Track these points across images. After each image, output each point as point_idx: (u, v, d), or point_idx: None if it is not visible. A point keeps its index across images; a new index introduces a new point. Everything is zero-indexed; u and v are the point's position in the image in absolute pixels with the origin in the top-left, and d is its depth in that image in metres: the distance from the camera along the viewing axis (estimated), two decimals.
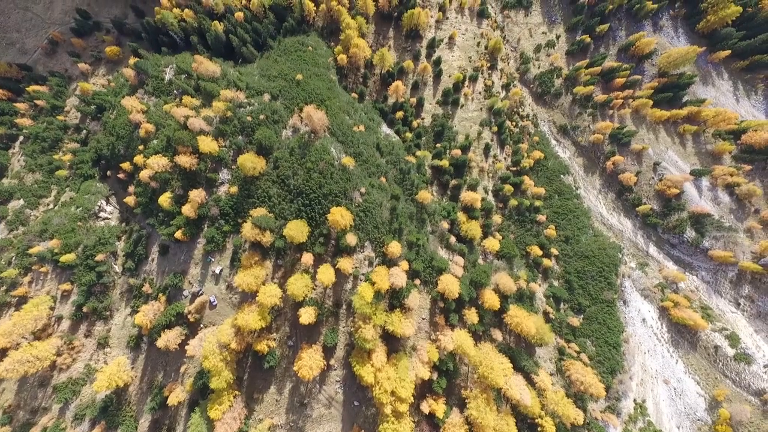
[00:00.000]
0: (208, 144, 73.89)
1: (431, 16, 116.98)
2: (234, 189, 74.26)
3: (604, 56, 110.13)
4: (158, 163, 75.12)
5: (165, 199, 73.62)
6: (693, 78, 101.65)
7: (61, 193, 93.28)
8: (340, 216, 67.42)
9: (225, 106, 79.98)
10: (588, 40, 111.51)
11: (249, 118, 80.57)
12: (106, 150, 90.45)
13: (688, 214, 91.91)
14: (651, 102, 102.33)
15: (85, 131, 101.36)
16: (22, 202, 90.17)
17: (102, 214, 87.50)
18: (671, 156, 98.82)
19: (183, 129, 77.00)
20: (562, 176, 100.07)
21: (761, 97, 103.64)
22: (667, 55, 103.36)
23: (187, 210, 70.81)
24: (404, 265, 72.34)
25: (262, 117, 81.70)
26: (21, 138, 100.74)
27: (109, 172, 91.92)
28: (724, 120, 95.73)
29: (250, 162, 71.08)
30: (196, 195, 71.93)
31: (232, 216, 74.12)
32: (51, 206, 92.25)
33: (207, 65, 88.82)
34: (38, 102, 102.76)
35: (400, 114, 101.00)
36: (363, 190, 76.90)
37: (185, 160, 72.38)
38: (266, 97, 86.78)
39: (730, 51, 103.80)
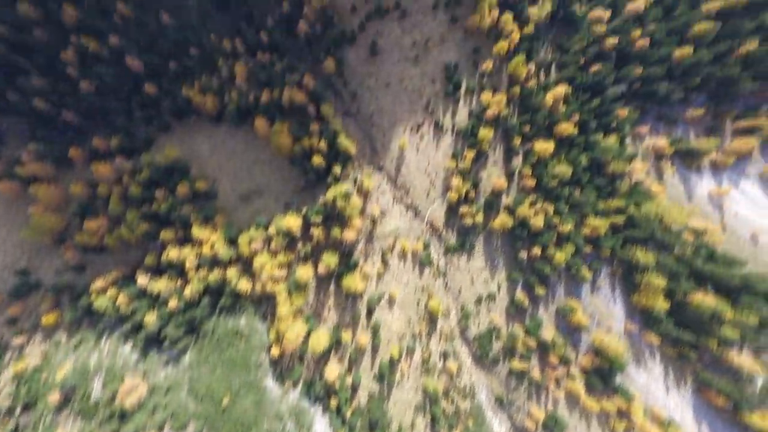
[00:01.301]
0: None
1: (373, 263, 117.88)
2: None
3: (539, 324, 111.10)
4: None
5: None
6: (624, 366, 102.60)
7: None
8: None
9: None
10: (526, 304, 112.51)
11: None
12: None
13: None
14: (583, 389, 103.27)
15: (15, 422, 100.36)
16: None
17: None
18: None
19: None
20: None
21: (689, 390, 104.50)
22: (600, 341, 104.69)
23: None
24: None
25: None
26: None
27: None
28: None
29: None
30: None
31: None
32: None
33: (134, 393, 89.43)
34: None
35: (334, 402, 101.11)
36: None
37: None
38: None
39: (660, 338, 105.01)
